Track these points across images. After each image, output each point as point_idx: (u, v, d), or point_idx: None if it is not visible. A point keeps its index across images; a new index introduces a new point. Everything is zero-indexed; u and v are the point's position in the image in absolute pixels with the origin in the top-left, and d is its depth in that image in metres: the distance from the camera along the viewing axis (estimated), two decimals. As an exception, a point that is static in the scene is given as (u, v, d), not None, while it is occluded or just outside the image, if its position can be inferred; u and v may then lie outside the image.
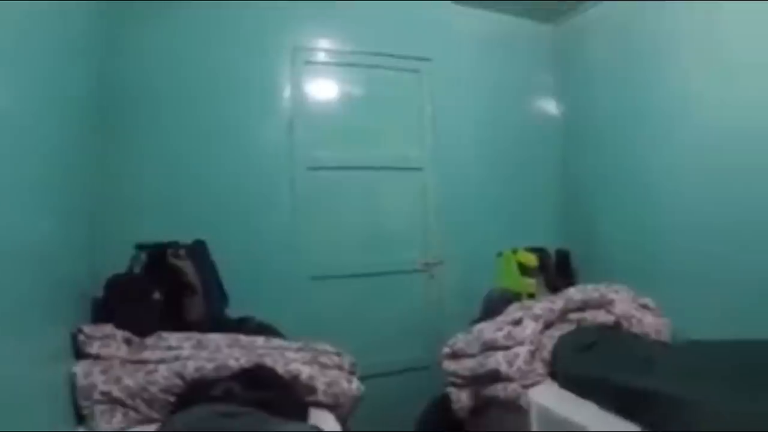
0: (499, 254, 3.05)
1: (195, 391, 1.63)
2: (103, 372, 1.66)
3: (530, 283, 2.91)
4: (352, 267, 2.79)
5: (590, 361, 2.07)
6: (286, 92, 2.74)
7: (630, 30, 2.85)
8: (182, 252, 2.22)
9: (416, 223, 2.98)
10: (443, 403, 2.43)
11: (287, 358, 1.85)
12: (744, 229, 2.28)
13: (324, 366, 1.92)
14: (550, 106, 3.41)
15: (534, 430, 1.93)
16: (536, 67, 3.38)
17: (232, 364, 1.72)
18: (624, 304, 2.48)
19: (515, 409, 2.03)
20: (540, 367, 2.15)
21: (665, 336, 2.36)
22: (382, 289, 2.85)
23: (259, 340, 1.93)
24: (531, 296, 2.83)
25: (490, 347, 2.22)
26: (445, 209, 3.02)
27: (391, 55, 2.93)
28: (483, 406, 2.17)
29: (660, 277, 2.65)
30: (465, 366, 2.25)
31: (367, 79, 2.88)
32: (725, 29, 2.35)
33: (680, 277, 2.55)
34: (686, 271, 2.53)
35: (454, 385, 2.28)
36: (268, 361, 1.78)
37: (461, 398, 2.23)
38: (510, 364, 2.09)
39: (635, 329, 2.39)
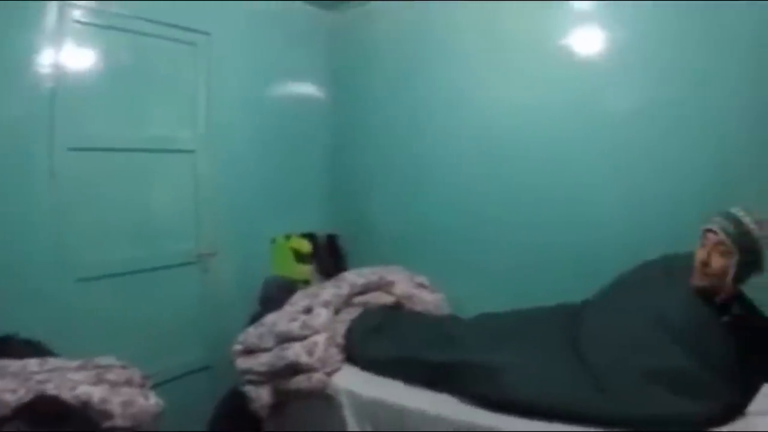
0: (273, 241, 2.99)
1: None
2: None
3: (305, 269, 2.92)
4: (121, 264, 2.42)
5: (388, 342, 2.17)
6: (48, 57, 2.18)
7: (414, 24, 2.99)
8: None
9: (188, 211, 2.72)
10: (234, 403, 2.30)
11: (71, 381, 1.53)
12: (505, 215, 2.67)
13: (114, 384, 1.65)
14: (324, 92, 3.41)
15: (347, 415, 1.94)
16: (314, 53, 3.35)
17: (9, 398, 1.34)
18: (403, 284, 2.64)
19: (321, 398, 2.02)
20: (336, 353, 2.17)
21: (444, 310, 2.60)
22: (154, 286, 2.54)
23: (32, 363, 1.56)
24: (306, 283, 2.85)
25: (286, 339, 2.17)
26: (218, 195, 2.81)
27: (169, 24, 2.57)
28: (286, 401, 2.11)
29: (429, 257, 2.90)
30: (261, 361, 2.16)
31: (139, 48, 2.48)
32: (506, 30, 2.64)
33: (448, 257, 2.86)
34: (452, 250, 2.85)
35: (251, 383, 2.17)
36: (51, 388, 1.44)
37: (261, 396, 2.14)
38: (310, 353, 2.07)
39: (417, 307, 2.58)
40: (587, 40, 2.49)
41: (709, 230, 1.97)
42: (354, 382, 2.03)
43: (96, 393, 1.53)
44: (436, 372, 1.96)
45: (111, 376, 1.66)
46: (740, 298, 1.98)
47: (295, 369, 2.07)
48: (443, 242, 2.88)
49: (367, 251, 3.10)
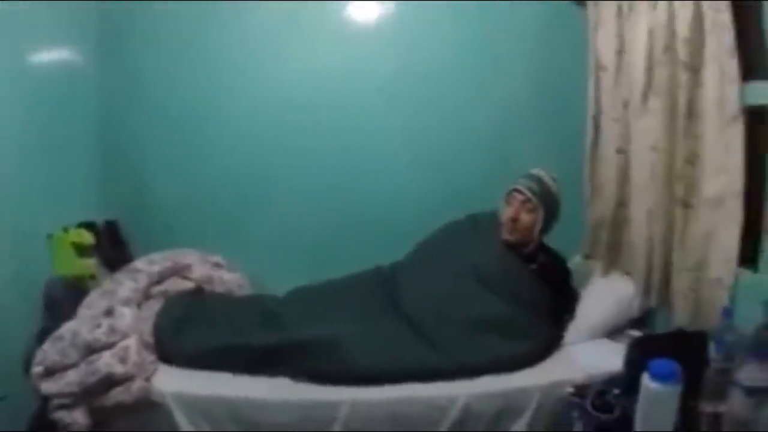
0: (50, 236, 2.54)
1: None
2: None
3: (90, 263, 2.55)
4: None
5: (202, 332, 2.04)
6: None
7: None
8: None
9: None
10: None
11: None
12: (301, 184, 2.70)
13: None
14: (90, 58, 2.82)
15: (179, 420, 1.79)
16: (79, 12, 2.73)
17: None
18: (199, 267, 2.50)
19: (147, 407, 1.83)
20: (149, 355, 1.98)
21: (247, 290, 2.52)
22: None
23: None
24: (93, 278, 2.50)
25: (92, 350, 1.90)
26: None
27: None
28: (107, 419, 1.82)
29: (222, 235, 2.78)
30: (69, 380, 1.86)
31: None
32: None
33: (242, 232, 2.77)
34: (247, 225, 2.77)
35: (62, 407, 1.83)
36: None
37: (77, 420, 1.83)
38: (123, 361, 1.86)
39: (219, 289, 2.46)
40: (372, 7, 2.62)
41: (516, 190, 2.17)
42: (178, 382, 1.88)
43: None
44: (266, 356, 1.91)
45: None
46: (543, 247, 2.22)
47: (110, 382, 1.83)
48: (236, 217, 2.78)
49: (151, 235, 2.78)
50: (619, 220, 2.18)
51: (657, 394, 1.43)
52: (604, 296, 2.14)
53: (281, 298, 2.33)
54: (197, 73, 2.71)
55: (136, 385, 1.83)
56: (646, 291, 1.96)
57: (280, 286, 2.40)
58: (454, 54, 2.64)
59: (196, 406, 1.81)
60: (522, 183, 2.16)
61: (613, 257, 2.24)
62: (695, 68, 1.62)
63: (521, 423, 1.81)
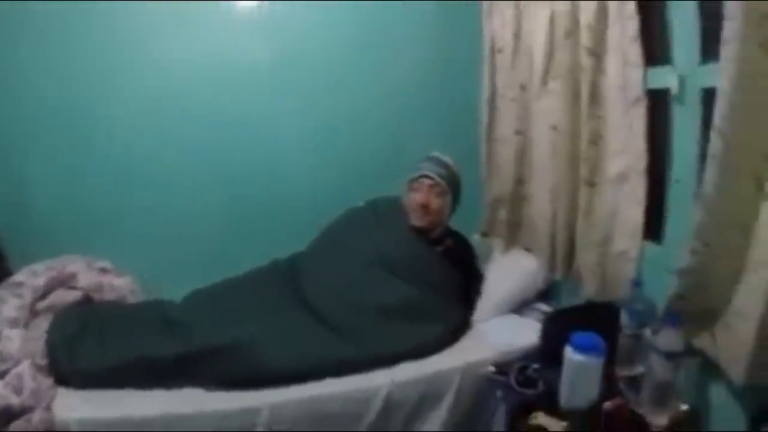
0: None
1: None
2: None
3: None
4: None
5: (101, 348, 1.83)
6: None
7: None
8: None
9: None
10: None
11: None
12: (189, 177, 2.49)
13: None
14: None
15: None
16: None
17: None
18: (86, 274, 2.25)
19: None
20: (45, 379, 1.75)
21: (140, 295, 2.30)
22: None
23: None
24: None
25: None
26: None
27: None
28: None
29: (105, 237, 2.49)
30: None
31: None
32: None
33: (128, 232, 2.50)
34: (133, 224, 2.50)
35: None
36: None
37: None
38: (18, 391, 1.64)
39: (109, 296, 2.24)
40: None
41: (424, 176, 2.16)
42: (81, 407, 1.68)
43: None
44: (173, 367, 1.78)
45: None
46: (449, 230, 2.24)
47: (7, 415, 1.62)
48: (122, 216, 2.50)
49: (28, 241, 2.41)
50: (518, 199, 2.27)
51: (581, 366, 1.51)
52: (508, 272, 2.23)
53: (181, 303, 2.15)
54: (77, 66, 2.36)
55: (37, 417, 1.62)
56: (551, 266, 2.06)
57: (175, 288, 2.22)
58: (346, 40, 2.56)
59: (105, 430, 1.64)
60: (429, 168, 2.16)
61: (513, 234, 2.33)
62: (598, 54, 1.70)
63: (443, 407, 1.84)
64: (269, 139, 2.54)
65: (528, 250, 2.27)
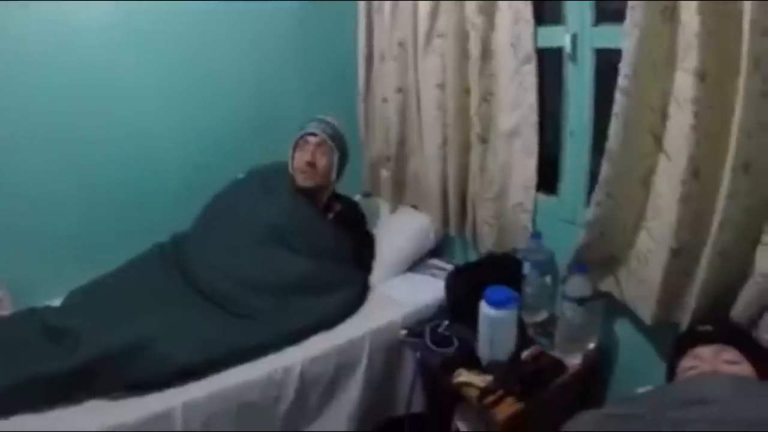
0: None
1: None
2: None
3: None
4: None
5: None
6: None
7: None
8: None
9: None
10: None
11: None
12: (41, 163, 2.06)
13: None
14: None
15: None
16: None
17: None
18: None
19: None
20: None
21: (10, 305, 1.96)
22: None
23: None
24: None
25: None
26: None
27: None
28: None
29: None
30: None
31: None
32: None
33: None
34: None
35: None
36: None
37: None
38: None
39: None
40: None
41: (310, 134, 2.05)
42: None
43: None
44: (69, 381, 1.54)
45: None
46: (336, 194, 2.18)
47: None
48: None
49: None
50: (402, 157, 2.25)
51: (498, 320, 1.58)
52: (399, 231, 2.23)
53: (61, 307, 1.86)
54: None
55: None
56: (444, 221, 2.09)
57: (50, 291, 1.93)
58: (214, 1, 2.26)
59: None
60: (314, 126, 2.05)
61: (399, 193, 2.32)
62: (489, 12, 1.70)
63: (358, 373, 1.82)
64: (131, 115, 2.18)
65: (415, 207, 2.29)
